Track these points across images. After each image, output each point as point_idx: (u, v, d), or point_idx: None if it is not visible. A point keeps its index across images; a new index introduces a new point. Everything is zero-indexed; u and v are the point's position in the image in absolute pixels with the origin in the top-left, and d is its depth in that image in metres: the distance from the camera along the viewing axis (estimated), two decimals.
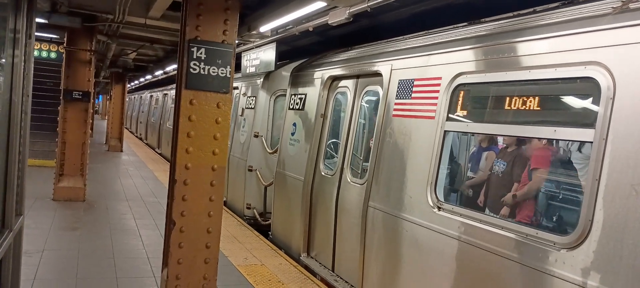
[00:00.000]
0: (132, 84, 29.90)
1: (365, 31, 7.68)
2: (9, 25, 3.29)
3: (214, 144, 4.71)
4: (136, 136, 28.90)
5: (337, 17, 5.48)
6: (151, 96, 24.58)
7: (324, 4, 4.82)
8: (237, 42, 8.70)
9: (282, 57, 9.81)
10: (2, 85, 3.31)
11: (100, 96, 51.54)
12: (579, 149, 4.17)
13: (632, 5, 3.13)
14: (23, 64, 3.51)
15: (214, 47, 4.60)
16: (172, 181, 4.69)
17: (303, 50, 9.79)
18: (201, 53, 4.55)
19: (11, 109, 3.40)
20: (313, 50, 8.35)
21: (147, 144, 24.24)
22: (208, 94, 4.64)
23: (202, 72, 4.58)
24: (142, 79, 24.57)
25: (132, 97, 34.44)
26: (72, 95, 9.37)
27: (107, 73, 21.21)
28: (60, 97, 9.48)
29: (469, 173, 5.31)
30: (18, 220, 3.78)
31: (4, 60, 3.28)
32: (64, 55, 9.68)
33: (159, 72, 18.02)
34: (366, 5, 4.96)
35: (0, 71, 3.31)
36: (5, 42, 3.29)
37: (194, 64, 4.54)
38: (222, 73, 4.65)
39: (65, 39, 9.64)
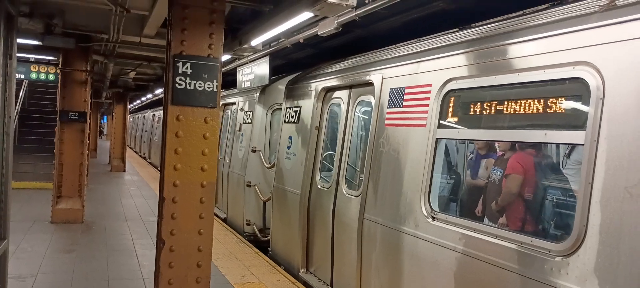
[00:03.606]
0: (135, 103, 30.03)
1: (360, 42, 7.63)
2: None
3: (202, 159, 4.63)
4: (140, 155, 28.95)
5: (327, 27, 5.42)
6: (153, 115, 24.62)
7: (310, 14, 4.76)
8: (231, 57, 8.72)
9: (279, 71, 9.79)
10: None
11: (105, 117, 51.76)
12: (569, 154, 4.05)
13: (619, 2, 3.04)
14: (1, 85, 3.46)
15: (200, 61, 4.54)
16: (161, 199, 4.61)
17: (299, 63, 9.75)
18: (187, 68, 4.49)
19: None
20: (309, 63, 8.31)
21: (150, 163, 24.25)
22: (195, 109, 4.57)
23: (188, 87, 4.52)
24: (143, 98, 24.64)
25: (135, 116, 34.58)
26: (68, 116, 9.36)
27: (109, 93, 21.27)
28: (57, 119, 9.47)
29: (465, 182, 5.19)
30: (1, 244, 3.71)
31: None
32: (59, 76, 9.68)
33: (159, 91, 18.05)
34: (354, 14, 4.90)
35: None
36: None
37: (180, 79, 4.48)
38: (208, 87, 4.59)
39: (60, 60, 9.65)
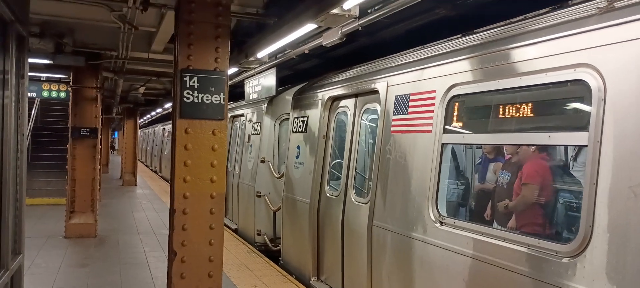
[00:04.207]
0: (145, 118, 30.31)
1: (364, 50, 7.70)
2: None
3: (211, 171, 4.71)
4: (151, 169, 29.18)
5: (331, 38, 5.49)
6: (163, 129, 24.85)
7: (314, 26, 4.84)
8: (238, 69, 8.82)
9: (286, 82, 9.87)
10: None
11: (116, 132, 52.17)
12: (576, 156, 4.05)
13: (617, 5, 3.07)
14: (14, 103, 3.55)
15: (207, 75, 4.63)
16: (172, 211, 4.69)
17: (305, 73, 9.83)
18: (194, 82, 4.59)
19: (3, 148, 3.43)
20: (315, 73, 8.38)
21: (161, 176, 24.44)
22: (203, 122, 4.66)
23: (195, 100, 4.61)
24: (153, 113, 24.88)
25: (146, 131, 34.89)
26: (80, 132, 9.51)
27: (119, 109, 21.51)
28: (69, 135, 9.62)
29: (472, 186, 5.21)
30: (16, 259, 3.79)
31: None
32: (70, 93, 9.85)
33: (168, 105, 18.23)
34: (357, 24, 4.96)
35: None
36: None
37: (187, 93, 4.57)
38: (216, 100, 4.67)
39: (71, 78, 9.82)
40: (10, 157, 3.51)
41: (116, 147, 52.14)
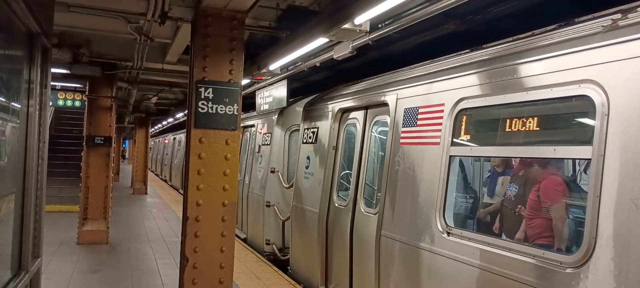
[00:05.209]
0: (156, 127, 30.61)
1: (374, 64, 7.81)
2: (23, 76, 3.50)
3: (224, 180, 4.83)
4: (161, 178, 29.39)
5: (342, 51, 5.62)
6: (174, 138, 25.08)
7: (325, 39, 4.98)
8: (249, 81, 8.98)
9: (296, 93, 10.00)
10: (18, 133, 3.50)
11: (127, 141, 52.64)
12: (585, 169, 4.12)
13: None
14: (38, 112, 3.71)
15: (221, 86, 4.77)
16: (185, 218, 4.81)
17: (316, 85, 9.96)
18: (209, 93, 4.73)
19: (27, 155, 3.57)
20: (325, 85, 8.51)
21: (171, 185, 24.62)
22: (217, 132, 4.79)
23: (210, 110, 4.75)
24: (164, 122, 25.15)
25: (156, 140, 35.17)
26: (94, 140, 9.69)
27: (131, 118, 21.78)
28: (83, 144, 9.80)
29: (480, 199, 5.28)
30: (35, 262, 3.92)
31: (19, 106, 3.47)
32: (86, 103, 10.06)
33: (179, 115, 18.45)
34: (367, 38, 5.09)
35: (17, 119, 3.50)
36: (20, 92, 3.50)
37: (202, 104, 4.71)
38: (229, 111, 4.81)
39: (87, 88, 10.03)
40: (33, 163, 3.65)
41: (127, 156, 52.58)
